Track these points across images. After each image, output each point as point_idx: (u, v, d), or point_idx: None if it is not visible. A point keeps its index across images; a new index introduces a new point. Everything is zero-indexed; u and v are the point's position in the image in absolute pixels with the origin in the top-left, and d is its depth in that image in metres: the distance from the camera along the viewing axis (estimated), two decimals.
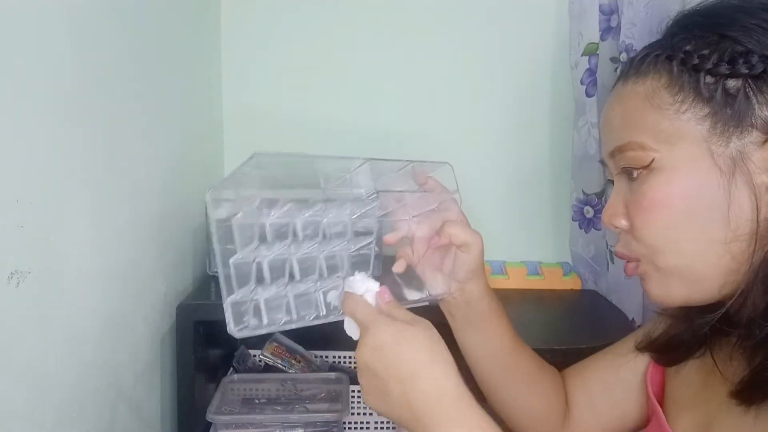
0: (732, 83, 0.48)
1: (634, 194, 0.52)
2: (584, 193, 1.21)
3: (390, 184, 0.66)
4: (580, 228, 1.23)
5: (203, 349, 0.98)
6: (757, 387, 0.47)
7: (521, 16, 1.25)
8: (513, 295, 1.21)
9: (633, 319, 1.13)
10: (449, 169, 0.70)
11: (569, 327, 1.12)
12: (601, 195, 1.19)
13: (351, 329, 0.58)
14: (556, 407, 0.72)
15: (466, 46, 1.26)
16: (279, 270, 0.58)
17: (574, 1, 1.17)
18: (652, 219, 0.51)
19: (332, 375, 1.08)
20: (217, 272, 0.52)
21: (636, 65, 0.53)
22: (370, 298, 0.57)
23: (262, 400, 1.05)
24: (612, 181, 0.57)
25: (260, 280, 0.56)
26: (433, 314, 0.68)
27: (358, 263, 0.65)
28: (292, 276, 0.59)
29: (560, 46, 1.23)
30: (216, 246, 0.55)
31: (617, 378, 0.68)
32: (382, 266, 0.68)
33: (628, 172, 0.53)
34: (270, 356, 1.14)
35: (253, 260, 0.56)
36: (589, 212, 1.21)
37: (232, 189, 0.54)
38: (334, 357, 1.21)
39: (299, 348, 1.17)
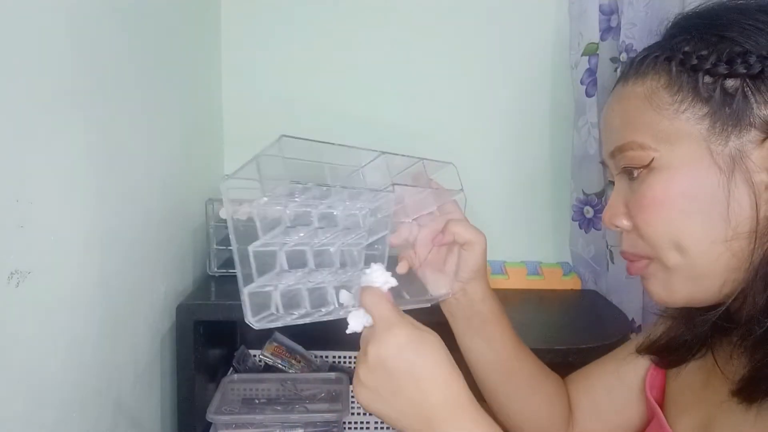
0: (730, 83, 0.48)
1: (635, 194, 0.53)
2: (584, 193, 1.21)
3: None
4: (580, 228, 1.23)
5: (203, 349, 0.98)
6: (757, 384, 0.48)
7: (521, 16, 1.25)
8: (513, 295, 1.21)
9: (633, 319, 1.13)
10: (453, 169, 0.70)
11: (569, 327, 1.12)
12: (601, 195, 1.19)
13: (356, 322, 0.56)
14: (560, 413, 0.71)
15: (466, 46, 1.26)
16: (296, 261, 0.57)
17: (574, 1, 1.17)
18: (653, 217, 0.51)
19: (332, 375, 1.08)
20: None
21: (635, 66, 0.54)
22: (386, 289, 0.57)
23: (262, 400, 1.05)
24: (613, 182, 0.57)
25: (273, 269, 0.55)
26: (433, 315, 0.68)
27: (371, 257, 0.64)
28: (307, 267, 0.58)
29: (560, 46, 1.23)
30: (232, 233, 0.55)
31: (620, 382, 0.68)
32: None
33: (628, 172, 0.53)
34: (270, 356, 1.14)
35: (273, 248, 0.55)
36: (589, 212, 1.21)
37: (255, 173, 0.52)
38: (334, 357, 1.21)
39: (299, 348, 1.18)
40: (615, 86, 0.56)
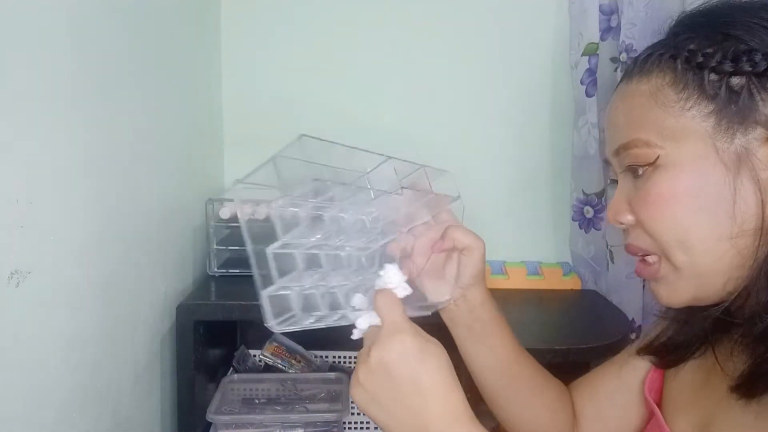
0: (736, 81, 0.48)
1: (639, 191, 0.52)
2: (584, 193, 1.21)
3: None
4: (580, 228, 1.23)
5: (203, 349, 0.98)
6: (758, 379, 0.48)
7: (521, 16, 1.25)
8: (513, 295, 1.21)
9: (633, 319, 1.13)
10: (450, 176, 0.69)
11: (569, 327, 1.12)
12: (601, 195, 1.19)
13: (364, 323, 0.55)
14: (563, 419, 0.71)
15: (466, 46, 1.26)
16: (310, 264, 0.56)
17: (574, 1, 1.17)
18: (659, 215, 0.51)
19: (332, 375, 1.09)
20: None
21: (640, 64, 0.54)
22: (401, 293, 0.57)
23: (262, 400, 1.05)
24: (615, 180, 0.57)
25: (291, 272, 0.54)
26: (432, 318, 0.68)
27: (382, 259, 0.64)
28: (322, 270, 0.57)
29: (560, 46, 1.23)
30: (246, 235, 0.54)
31: (622, 386, 0.68)
32: None
33: (632, 170, 0.53)
34: (270, 356, 1.14)
35: (290, 251, 0.54)
36: (589, 212, 1.21)
37: (273, 174, 0.52)
38: (334, 357, 1.21)
39: (299, 348, 1.18)
40: (619, 84, 0.56)
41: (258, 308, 0.53)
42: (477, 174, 1.28)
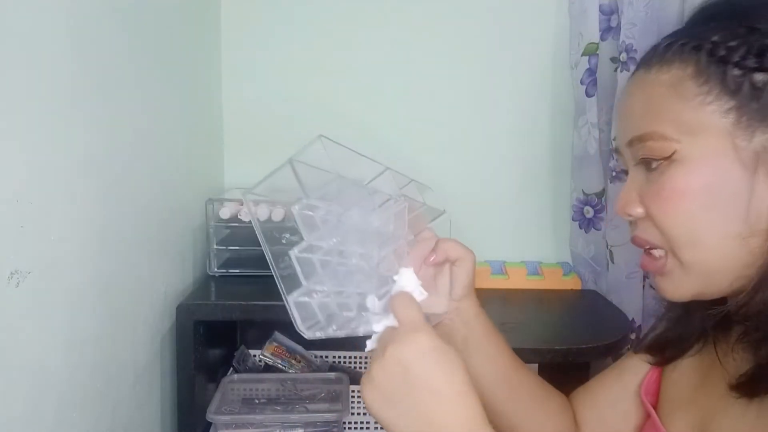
0: (759, 77, 0.47)
1: (653, 184, 0.51)
2: (584, 193, 1.21)
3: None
4: (580, 228, 1.23)
5: (203, 349, 0.98)
6: (762, 379, 0.47)
7: (521, 16, 1.25)
8: (513, 295, 1.21)
9: (633, 319, 1.13)
10: (432, 193, 0.69)
11: (569, 327, 1.12)
12: (601, 195, 1.19)
13: (382, 326, 0.54)
14: (565, 430, 0.71)
15: (466, 46, 1.26)
16: (326, 268, 0.54)
17: (574, 1, 1.17)
18: (672, 210, 0.50)
19: (332, 375, 1.09)
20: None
21: (660, 53, 0.52)
22: (417, 297, 0.56)
23: (262, 400, 1.05)
24: (624, 171, 0.56)
25: (313, 275, 0.52)
26: None
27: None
28: (339, 275, 0.55)
29: (560, 46, 1.23)
30: (260, 235, 0.52)
31: (623, 391, 0.67)
32: None
33: (646, 163, 0.52)
34: (270, 356, 1.14)
35: (310, 255, 0.52)
36: (589, 212, 1.21)
37: (298, 177, 0.50)
38: (334, 357, 1.21)
39: (299, 348, 1.18)
40: (636, 72, 0.55)
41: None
42: (477, 174, 1.28)
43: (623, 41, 1.07)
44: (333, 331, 0.54)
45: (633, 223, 0.55)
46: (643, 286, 1.14)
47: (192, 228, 1.07)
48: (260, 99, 1.27)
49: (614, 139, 1.11)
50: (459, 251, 0.65)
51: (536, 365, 1.12)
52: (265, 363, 1.14)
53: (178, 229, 1.01)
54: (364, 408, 1.09)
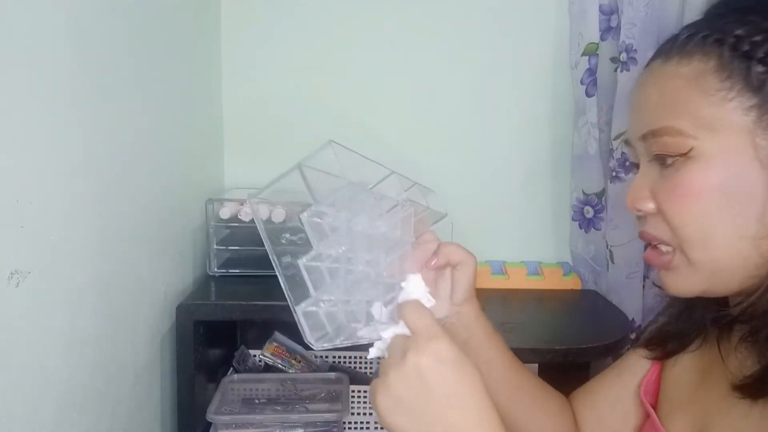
0: None
1: (667, 181, 0.50)
2: (584, 193, 1.21)
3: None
4: (580, 228, 1.23)
5: (203, 349, 0.98)
6: (766, 381, 0.47)
7: (521, 16, 1.25)
8: (513, 295, 1.21)
9: (633, 319, 1.13)
10: (435, 196, 0.69)
11: (569, 327, 1.12)
12: (601, 195, 1.19)
13: (390, 333, 0.52)
14: (566, 430, 0.71)
15: (466, 46, 1.26)
16: (333, 276, 0.53)
17: (574, 1, 1.17)
18: (686, 208, 0.49)
19: (332, 375, 1.09)
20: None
21: (680, 44, 0.50)
22: (425, 304, 0.55)
23: (262, 400, 1.05)
24: (635, 164, 0.55)
25: (321, 284, 0.51)
26: None
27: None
28: (347, 283, 0.54)
29: (560, 46, 1.23)
30: (265, 237, 0.51)
31: (622, 391, 0.67)
32: None
33: (660, 158, 0.50)
34: (270, 356, 1.14)
35: (318, 263, 0.51)
36: (589, 212, 1.21)
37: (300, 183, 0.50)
38: (334, 357, 1.21)
39: (299, 348, 1.18)
40: (652, 62, 0.53)
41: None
42: (477, 174, 1.28)
43: (623, 41, 1.07)
44: (341, 342, 0.53)
45: (642, 217, 0.54)
46: (643, 286, 1.14)
47: (192, 228, 1.07)
48: (260, 99, 1.27)
49: (614, 138, 1.11)
50: (460, 255, 0.65)
51: (536, 365, 1.12)
52: (265, 363, 1.14)
53: (178, 229, 1.01)
54: (364, 408, 1.10)
